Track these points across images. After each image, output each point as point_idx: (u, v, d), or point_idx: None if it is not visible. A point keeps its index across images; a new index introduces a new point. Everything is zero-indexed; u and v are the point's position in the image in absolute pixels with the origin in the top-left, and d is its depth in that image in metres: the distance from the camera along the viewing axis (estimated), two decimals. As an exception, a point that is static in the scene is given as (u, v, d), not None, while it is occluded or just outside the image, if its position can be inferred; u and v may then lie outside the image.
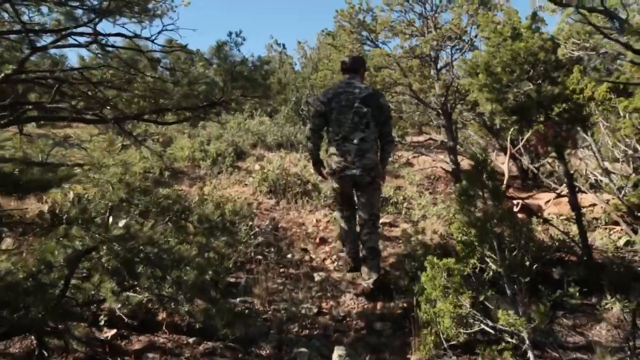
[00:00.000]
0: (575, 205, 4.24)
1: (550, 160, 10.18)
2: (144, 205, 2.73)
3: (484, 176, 3.11)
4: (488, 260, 3.06)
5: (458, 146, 8.94)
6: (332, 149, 4.04)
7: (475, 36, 7.80)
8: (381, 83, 8.00)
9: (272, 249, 4.99)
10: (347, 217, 4.38)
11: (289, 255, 4.93)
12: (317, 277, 4.41)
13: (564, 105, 3.75)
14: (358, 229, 4.32)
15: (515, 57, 3.73)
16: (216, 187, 6.82)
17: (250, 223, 5.67)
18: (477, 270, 3.11)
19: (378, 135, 4.05)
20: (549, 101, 3.75)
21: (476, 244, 3.04)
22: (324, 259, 4.93)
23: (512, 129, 4.10)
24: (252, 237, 4.89)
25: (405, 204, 6.76)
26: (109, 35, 3.38)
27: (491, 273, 3.15)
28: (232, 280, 4.24)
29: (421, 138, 10.88)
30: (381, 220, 6.17)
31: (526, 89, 3.96)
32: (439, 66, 8.42)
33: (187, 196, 6.93)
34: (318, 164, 4.40)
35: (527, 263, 3.22)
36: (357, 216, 4.34)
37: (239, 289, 4.11)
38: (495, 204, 3.09)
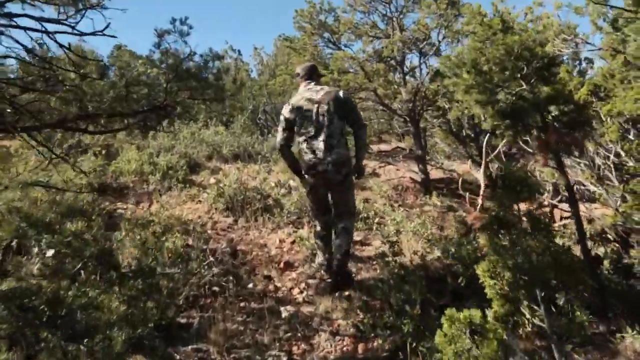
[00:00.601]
0: (577, 220, 3.77)
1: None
2: (50, 245, 2.03)
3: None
4: (526, 313, 2.46)
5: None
6: (303, 148, 4.11)
7: (443, 38, 7.37)
8: (345, 87, 7.45)
9: (231, 278, 4.30)
10: (324, 221, 4.33)
11: (251, 285, 4.25)
12: (284, 312, 3.75)
13: (563, 107, 3.29)
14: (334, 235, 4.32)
15: (509, 51, 3.23)
16: (163, 206, 6.04)
17: (205, 247, 4.97)
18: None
19: (347, 127, 4.18)
20: (545, 102, 3.27)
21: (521, 296, 2.38)
22: (291, 288, 4.27)
23: (505, 135, 3.60)
24: (205, 267, 4.16)
25: (376, 219, 6.19)
26: (13, 16, 2.63)
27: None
28: (183, 321, 3.52)
29: (386, 147, 10.42)
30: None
31: (519, 89, 3.48)
32: (405, 70, 7.95)
33: (132, 215, 6.17)
34: (299, 173, 4.39)
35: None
36: (333, 218, 4.31)
37: (191, 332, 3.40)
38: (545, 239, 2.49)
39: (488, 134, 6.38)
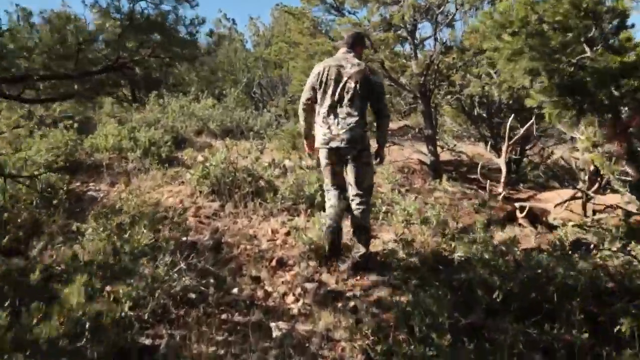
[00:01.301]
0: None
1: (531, 153, 9.21)
2: None
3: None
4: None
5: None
6: (319, 121, 3.98)
7: (462, 4, 6.53)
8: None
9: (212, 281, 3.58)
10: (336, 195, 4.08)
11: (235, 290, 3.52)
12: (275, 330, 3.02)
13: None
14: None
15: (577, 5, 2.46)
16: (136, 189, 5.27)
17: (184, 238, 4.23)
18: None
19: (371, 112, 4.00)
20: (617, 74, 2.51)
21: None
22: (284, 295, 3.55)
23: (563, 115, 2.83)
24: (179, 270, 3.40)
25: (384, 208, 5.45)
26: None
27: None
28: (148, 342, 2.80)
29: (393, 125, 9.62)
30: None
31: (579, 57, 2.71)
32: (416, 41, 7.11)
33: (104, 199, 5.41)
34: (308, 139, 4.25)
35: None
36: (348, 193, 4.07)
37: (156, 358, 2.68)
38: None
39: (513, 114, 5.63)
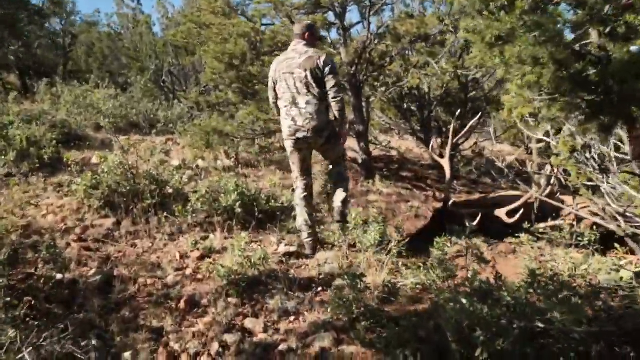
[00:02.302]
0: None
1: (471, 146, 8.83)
2: None
3: None
4: None
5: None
6: (283, 114, 4.07)
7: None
8: (270, 43, 5.76)
9: (94, 342, 2.60)
10: (305, 184, 4.22)
11: (128, 356, 2.58)
12: None
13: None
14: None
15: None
16: (9, 202, 4.12)
17: (60, 277, 3.19)
18: None
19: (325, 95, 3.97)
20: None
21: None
22: (197, 356, 2.65)
23: (586, 126, 2.13)
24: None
25: (316, 216, 4.68)
26: None
27: None
28: None
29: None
30: (284, 251, 4.09)
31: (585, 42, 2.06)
32: (346, 24, 6.35)
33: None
34: None
35: None
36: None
37: None
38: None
39: (460, 110, 5.06)
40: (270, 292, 3.30)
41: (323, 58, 3.94)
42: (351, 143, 7.40)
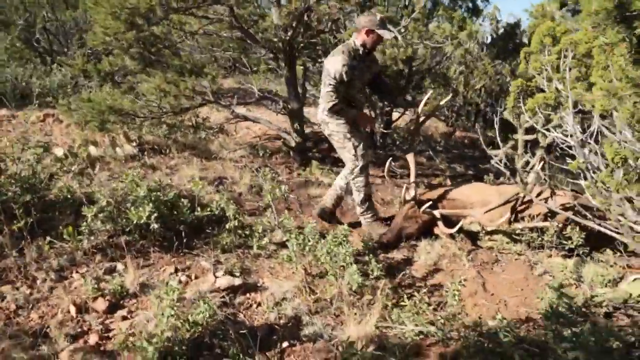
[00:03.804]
0: None
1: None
2: None
3: None
4: None
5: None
6: None
7: None
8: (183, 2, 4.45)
9: None
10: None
11: None
12: None
13: None
14: None
15: None
16: None
17: None
18: None
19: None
20: None
21: None
22: None
23: None
24: None
25: (245, 227, 3.65)
26: None
27: None
28: None
29: (236, 86, 7.60)
30: (226, 284, 3.04)
31: None
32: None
33: None
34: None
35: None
36: None
37: None
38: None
39: (451, 95, 4.19)
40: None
41: (328, 58, 3.97)
42: (284, 124, 6.34)
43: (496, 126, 4.19)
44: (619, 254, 3.82)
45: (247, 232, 3.64)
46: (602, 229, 3.51)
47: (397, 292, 3.15)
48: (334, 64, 3.81)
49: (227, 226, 3.58)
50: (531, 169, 3.77)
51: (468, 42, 4.79)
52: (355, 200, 4.25)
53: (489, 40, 7.02)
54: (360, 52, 3.92)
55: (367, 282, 3.00)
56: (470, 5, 6.23)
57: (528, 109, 2.83)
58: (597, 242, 3.99)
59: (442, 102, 4.21)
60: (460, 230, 4.16)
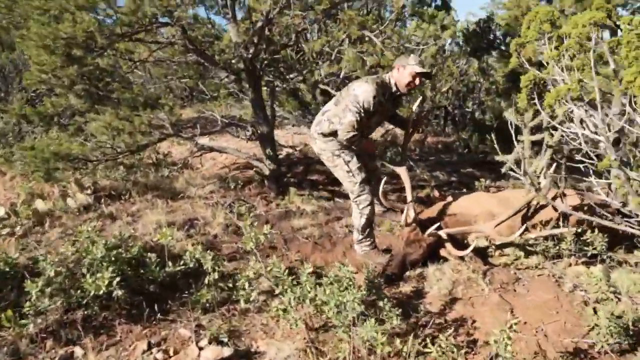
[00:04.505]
0: None
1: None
2: None
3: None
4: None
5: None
6: None
7: None
8: (132, 18, 3.91)
9: None
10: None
11: None
12: None
13: None
14: None
15: None
16: None
17: None
18: None
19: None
20: None
21: None
22: None
23: None
24: None
25: (228, 278, 3.10)
26: None
27: None
28: None
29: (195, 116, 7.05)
30: (214, 357, 2.48)
31: None
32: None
33: None
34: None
35: None
36: None
37: None
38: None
39: (420, 98, 3.75)
40: None
41: (360, 84, 3.60)
42: (253, 149, 5.81)
43: (493, 133, 3.80)
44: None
45: (230, 284, 3.08)
46: (629, 229, 3.15)
47: (416, 335, 2.65)
48: (366, 93, 3.49)
49: (206, 280, 3.02)
50: (541, 171, 3.35)
51: (446, 41, 4.42)
52: (355, 224, 3.76)
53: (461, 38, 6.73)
54: (392, 90, 3.63)
55: (384, 330, 2.49)
56: (438, 2, 5.89)
57: (547, 104, 2.41)
58: (612, 241, 3.64)
59: (413, 107, 3.79)
60: (461, 244, 3.74)
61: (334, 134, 3.62)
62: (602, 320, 2.39)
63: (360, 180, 3.66)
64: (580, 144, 3.04)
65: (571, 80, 2.32)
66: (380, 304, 2.64)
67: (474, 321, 2.91)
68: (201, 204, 4.69)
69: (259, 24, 4.14)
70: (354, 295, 2.53)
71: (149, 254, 3.08)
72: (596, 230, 3.48)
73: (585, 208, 3.65)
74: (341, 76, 4.92)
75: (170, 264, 3.09)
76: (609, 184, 3.44)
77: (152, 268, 3.02)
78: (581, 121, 2.53)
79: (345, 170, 3.66)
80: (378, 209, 3.94)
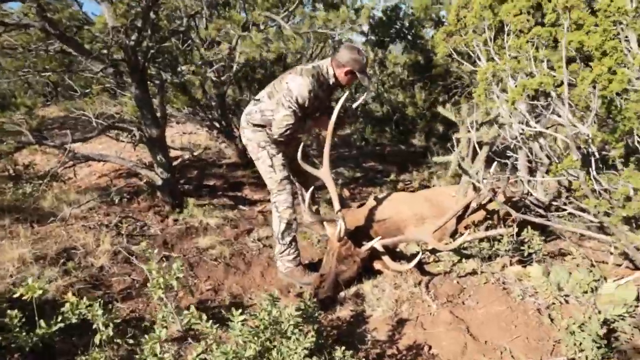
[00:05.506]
0: None
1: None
2: None
3: None
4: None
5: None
6: None
7: None
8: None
9: None
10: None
11: None
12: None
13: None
14: None
15: None
16: None
17: None
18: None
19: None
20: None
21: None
22: None
23: None
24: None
25: (125, 329, 2.39)
26: None
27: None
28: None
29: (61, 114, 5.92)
30: None
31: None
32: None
33: None
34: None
35: None
36: None
37: None
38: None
39: (346, 93, 3.25)
40: None
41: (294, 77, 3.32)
42: (141, 153, 4.95)
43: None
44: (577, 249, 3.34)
45: (130, 339, 2.38)
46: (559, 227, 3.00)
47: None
48: (300, 88, 3.21)
49: (95, 339, 2.28)
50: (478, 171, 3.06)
51: (360, 26, 4.01)
52: (274, 231, 3.39)
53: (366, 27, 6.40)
54: (330, 82, 3.38)
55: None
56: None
57: (511, 98, 2.07)
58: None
59: (339, 103, 3.35)
60: (402, 257, 3.38)
61: (264, 126, 3.34)
62: (562, 332, 2.11)
63: (281, 178, 3.31)
64: (519, 141, 2.81)
65: (540, 73, 1.99)
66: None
67: (430, 347, 2.53)
68: (79, 227, 3.79)
69: (143, 3, 3.36)
70: (301, 345, 2.01)
71: (11, 312, 2.26)
72: (530, 228, 3.31)
73: (519, 205, 3.46)
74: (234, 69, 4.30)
75: (42, 323, 2.29)
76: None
77: (17, 332, 2.21)
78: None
79: (268, 165, 3.35)
80: (306, 218, 3.44)
